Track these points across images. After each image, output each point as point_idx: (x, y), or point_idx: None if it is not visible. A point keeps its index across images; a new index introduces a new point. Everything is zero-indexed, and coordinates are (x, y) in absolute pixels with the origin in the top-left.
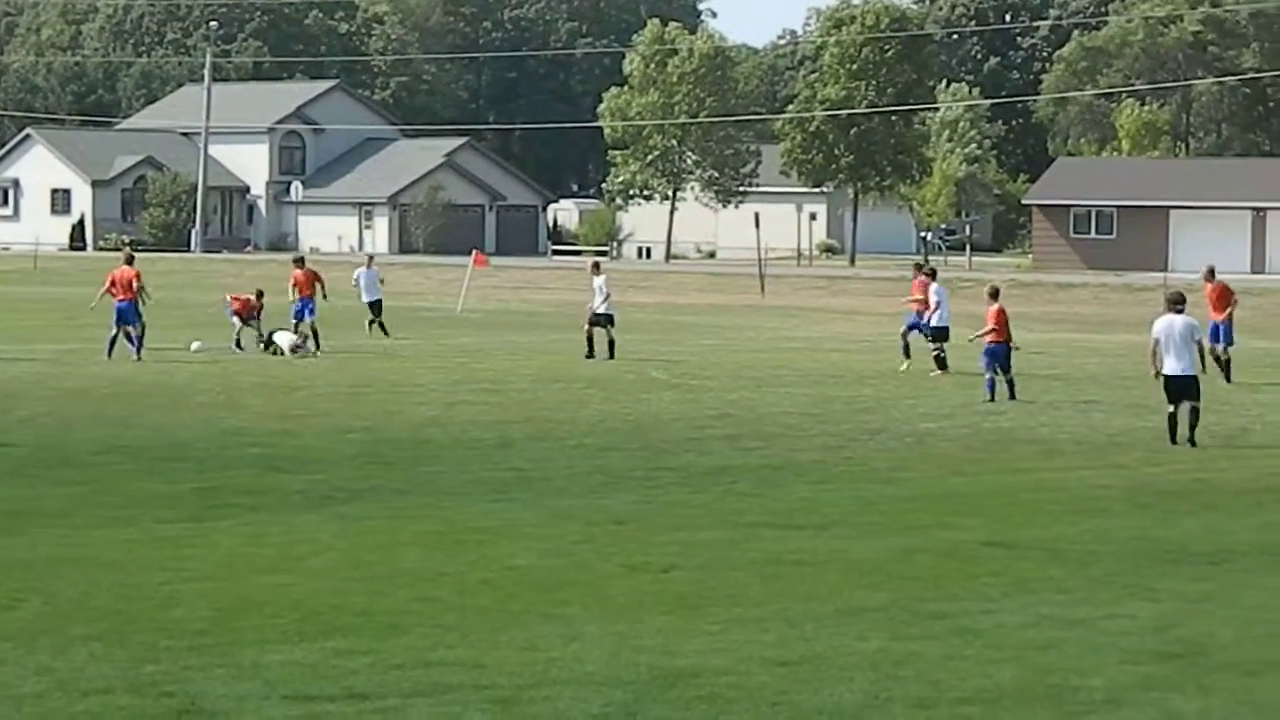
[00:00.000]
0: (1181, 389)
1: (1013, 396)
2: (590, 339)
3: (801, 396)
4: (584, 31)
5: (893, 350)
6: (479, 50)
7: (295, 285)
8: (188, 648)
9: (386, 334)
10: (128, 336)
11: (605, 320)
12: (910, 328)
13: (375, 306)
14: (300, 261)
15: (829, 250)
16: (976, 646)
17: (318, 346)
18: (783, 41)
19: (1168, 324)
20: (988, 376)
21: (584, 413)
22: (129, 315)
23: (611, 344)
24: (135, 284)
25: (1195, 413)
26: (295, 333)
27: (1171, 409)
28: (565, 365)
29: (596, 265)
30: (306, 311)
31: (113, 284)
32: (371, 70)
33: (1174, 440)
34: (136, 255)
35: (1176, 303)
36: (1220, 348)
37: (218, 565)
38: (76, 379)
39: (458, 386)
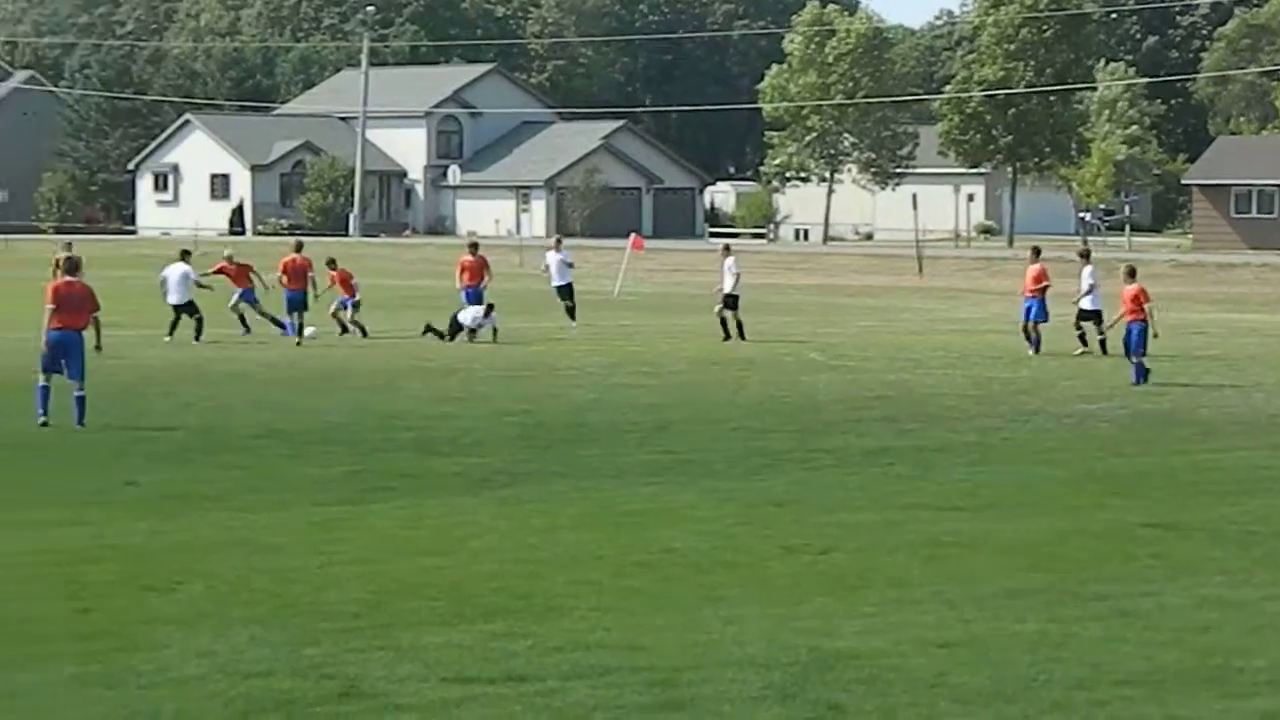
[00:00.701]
0: None
1: (1140, 380)
2: (724, 322)
3: (959, 378)
4: (740, 13)
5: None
6: (636, 33)
7: (463, 271)
8: (347, 630)
9: (573, 319)
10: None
11: (733, 303)
12: (1029, 316)
13: (565, 290)
14: (474, 248)
15: (987, 231)
16: (1137, 629)
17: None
18: (940, 22)
19: None
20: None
21: (741, 395)
22: (300, 303)
23: (740, 325)
24: (309, 272)
25: None
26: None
27: None
28: (722, 348)
29: (727, 248)
30: (476, 298)
31: (285, 272)
32: (528, 54)
33: None
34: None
35: None
36: None
37: (376, 548)
38: (236, 363)
39: (615, 369)
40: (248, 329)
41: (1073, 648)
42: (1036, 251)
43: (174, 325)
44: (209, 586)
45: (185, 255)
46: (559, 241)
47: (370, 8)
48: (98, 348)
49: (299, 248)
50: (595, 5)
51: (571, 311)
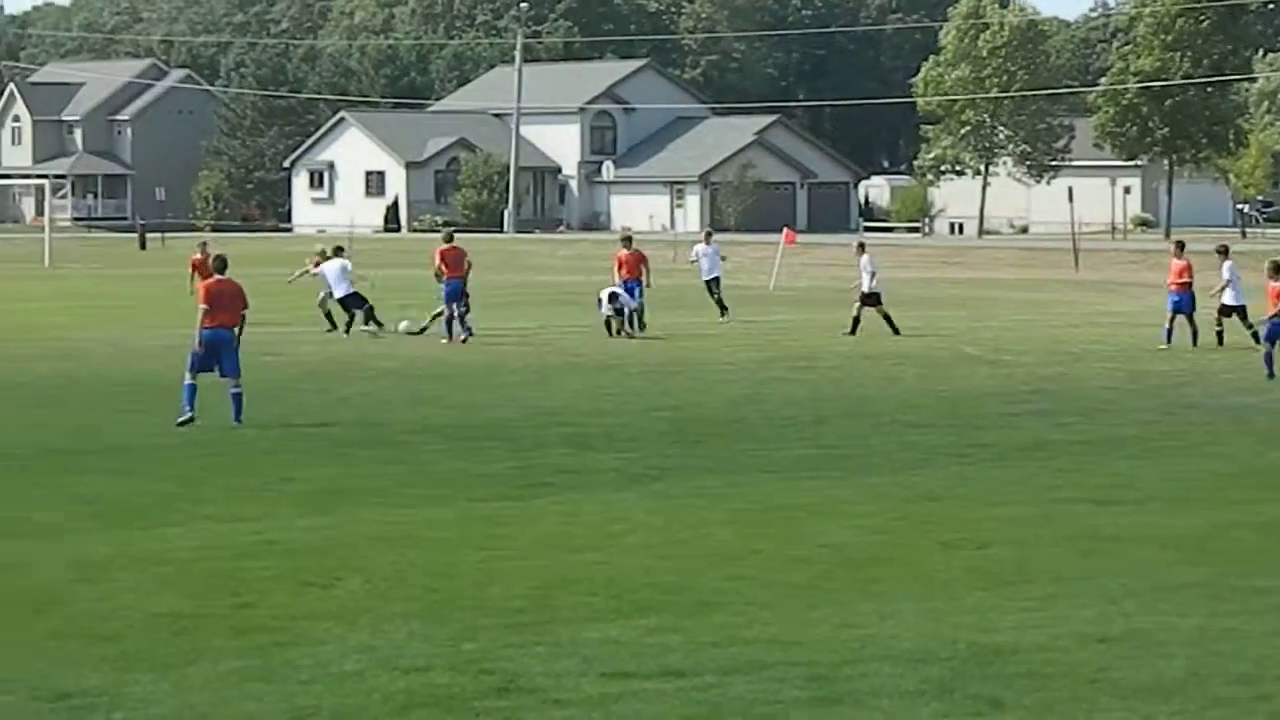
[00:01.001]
0: None
1: (1271, 373)
2: (857, 319)
3: (1116, 371)
4: (894, 6)
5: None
6: (789, 27)
7: (620, 266)
8: (505, 625)
9: (724, 310)
10: (460, 317)
11: (874, 299)
12: (1176, 312)
13: (714, 284)
14: (628, 241)
15: (1143, 224)
16: None
17: (642, 327)
18: (1094, 14)
19: None
20: (1266, 350)
21: (896, 389)
22: (458, 293)
23: (889, 319)
24: (466, 262)
25: None
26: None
27: None
28: (877, 342)
29: (862, 245)
30: (637, 292)
31: (444, 262)
32: (681, 49)
33: None
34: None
35: None
36: None
37: (533, 543)
38: (393, 359)
39: (770, 364)
40: (334, 326)
41: (1234, 642)
42: (1181, 245)
43: (349, 323)
44: (367, 582)
45: (339, 250)
46: (709, 235)
47: (524, 4)
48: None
49: (450, 238)
50: (748, 0)
51: (721, 304)
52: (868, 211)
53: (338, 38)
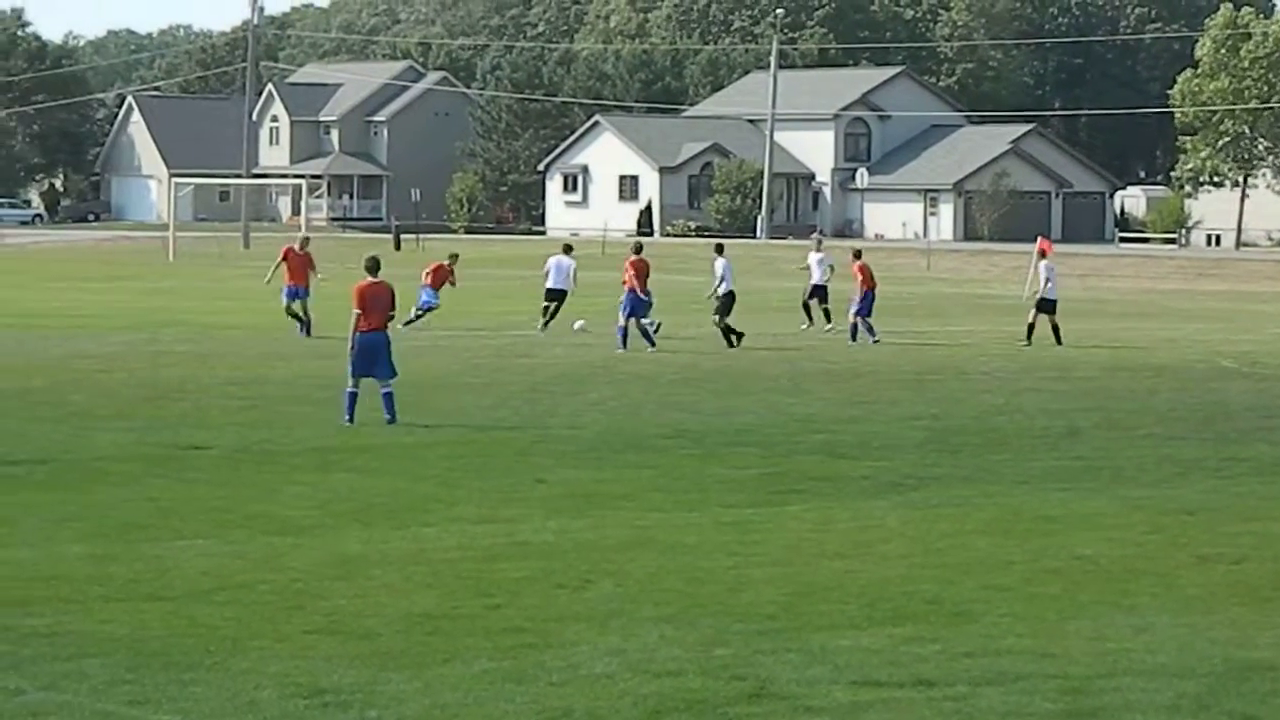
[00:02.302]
0: None
1: None
2: (1032, 327)
3: None
4: (1153, 16)
5: None
6: (1045, 36)
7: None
8: (757, 631)
9: (829, 320)
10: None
11: (1049, 306)
12: None
13: (821, 292)
14: (858, 254)
15: None
16: None
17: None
18: None
19: None
20: None
21: (1152, 401)
22: (643, 305)
23: (1055, 329)
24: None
25: None
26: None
27: None
28: (1133, 353)
29: (1043, 252)
30: (866, 304)
31: (636, 273)
32: (937, 56)
33: None
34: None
35: None
36: None
37: (785, 550)
38: (643, 363)
39: (1024, 374)
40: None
41: None
42: None
43: (547, 313)
44: (619, 585)
45: (568, 249)
46: (819, 242)
47: (780, 10)
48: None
49: (639, 249)
50: (1005, 8)
51: (827, 314)
52: (1123, 222)
53: (593, 41)
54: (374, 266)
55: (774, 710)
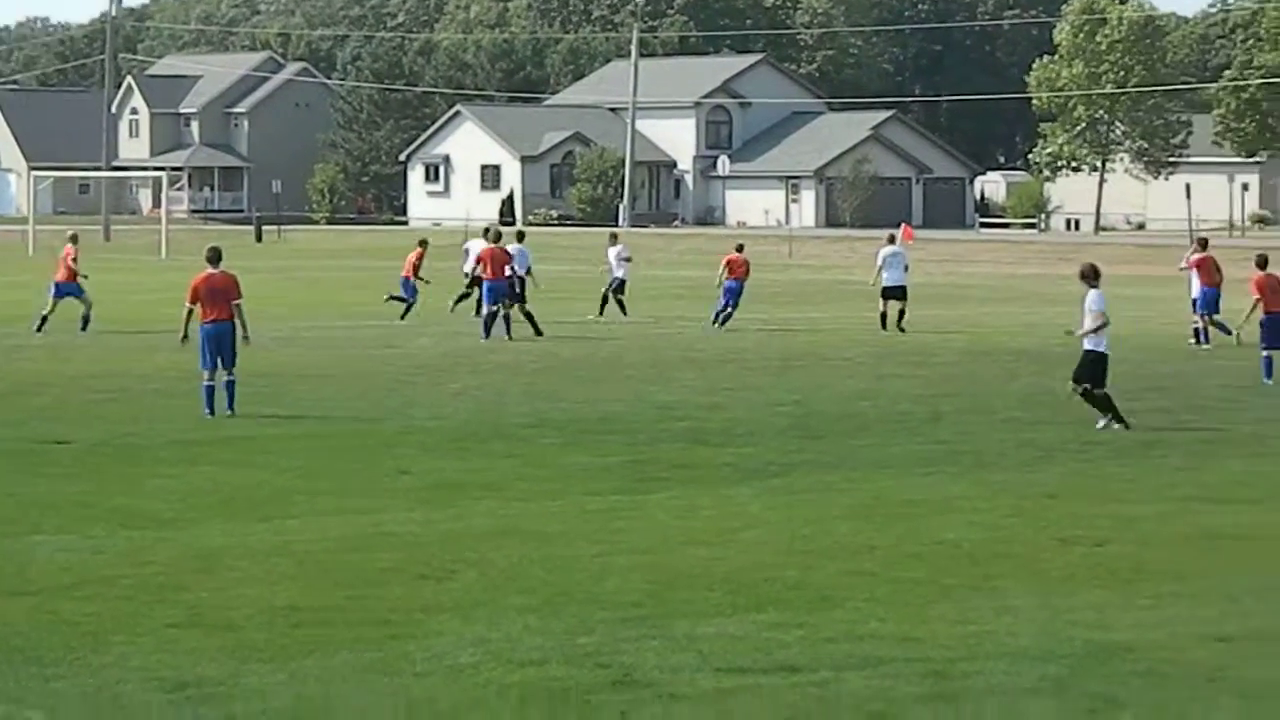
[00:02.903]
0: None
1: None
2: (884, 314)
3: (1235, 369)
4: (1011, 2)
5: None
6: (905, 22)
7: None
8: (621, 619)
9: (624, 313)
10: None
11: (897, 293)
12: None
13: (619, 285)
14: (740, 248)
15: (1261, 221)
16: None
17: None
18: (1213, 10)
19: None
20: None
21: (1013, 386)
22: (501, 293)
23: (900, 315)
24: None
25: None
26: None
27: None
28: (994, 338)
29: (891, 237)
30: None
31: (488, 263)
32: (798, 44)
33: None
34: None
35: None
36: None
37: (649, 538)
38: (506, 353)
39: (885, 360)
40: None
41: None
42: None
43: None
44: (483, 575)
45: (521, 236)
46: (614, 236)
47: None
48: (245, 339)
49: (497, 237)
50: None
51: (622, 306)
52: (983, 207)
53: (453, 31)
54: (214, 258)
55: (638, 698)
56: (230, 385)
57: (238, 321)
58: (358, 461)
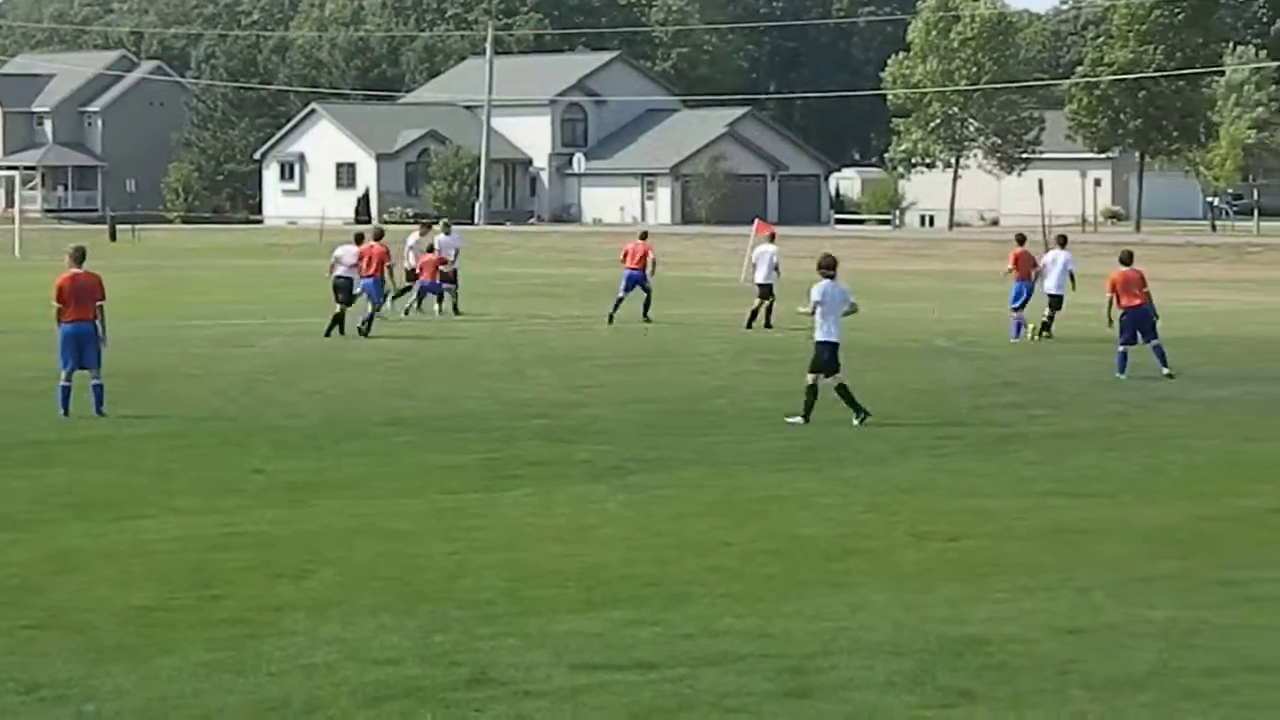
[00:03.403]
0: None
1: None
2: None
3: (1087, 364)
4: (866, 0)
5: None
6: (760, 20)
7: (626, 255)
8: (477, 617)
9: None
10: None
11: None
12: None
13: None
14: (644, 235)
15: (1114, 216)
16: (1269, 615)
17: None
18: (1065, 6)
19: None
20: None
21: (867, 381)
22: (374, 291)
23: (768, 312)
24: (385, 260)
25: None
26: None
27: None
28: (849, 334)
29: (772, 236)
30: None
31: (366, 261)
32: (653, 41)
33: None
34: (429, 228)
35: None
36: None
37: (505, 535)
38: (362, 351)
39: (742, 356)
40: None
41: (1204, 634)
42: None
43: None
44: (338, 574)
45: (448, 228)
46: (448, 225)
47: None
48: (102, 340)
49: (366, 236)
50: None
51: (439, 297)
52: (838, 204)
53: (308, 29)
54: (79, 257)
55: (493, 696)
56: (98, 389)
57: (99, 323)
58: (213, 461)
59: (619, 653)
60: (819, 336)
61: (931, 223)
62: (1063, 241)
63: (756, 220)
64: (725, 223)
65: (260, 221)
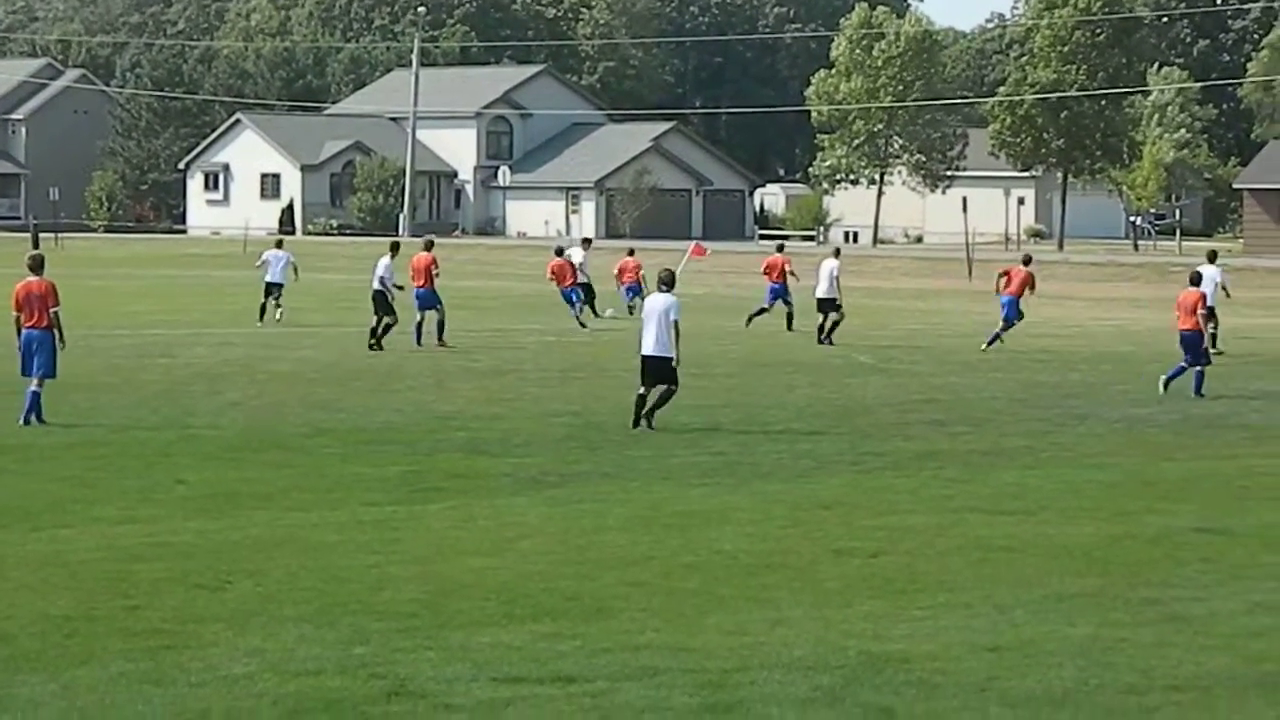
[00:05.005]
0: None
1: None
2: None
3: (1009, 381)
4: (791, 16)
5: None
6: (686, 35)
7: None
8: (397, 630)
9: (262, 316)
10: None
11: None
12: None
13: (275, 289)
14: (559, 251)
15: (1037, 235)
16: (1188, 634)
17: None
18: (990, 25)
19: None
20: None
21: (790, 397)
22: (430, 300)
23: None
24: (432, 270)
25: None
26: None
27: None
28: (771, 350)
29: (837, 251)
30: (574, 297)
31: (414, 272)
32: (579, 55)
33: None
34: (401, 242)
35: None
36: None
37: (426, 548)
38: (285, 362)
39: None
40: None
41: (1123, 652)
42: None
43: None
44: (258, 585)
45: (279, 244)
46: (280, 243)
47: (421, 8)
48: (60, 344)
49: (429, 246)
50: (646, 7)
51: (272, 308)
52: (763, 219)
53: (234, 39)
54: (35, 266)
55: (412, 709)
56: (35, 396)
57: (55, 330)
58: (134, 471)
59: (539, 666)
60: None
61: (855, 239)
62: (1212, 257)
63: (695, 244)
64: (650, 236)
65: (184, 231)
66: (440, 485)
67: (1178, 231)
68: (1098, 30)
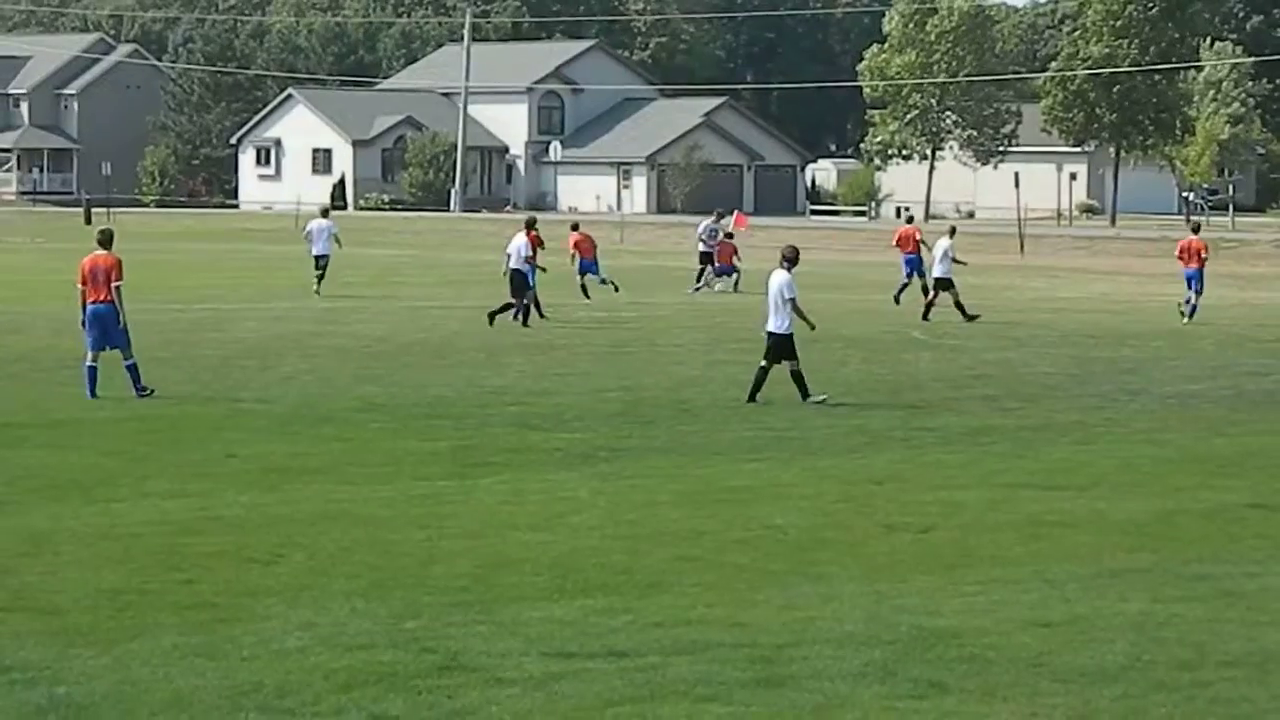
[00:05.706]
0: None
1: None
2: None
3: (1062, 357)
4: None
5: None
6: (738, 10)
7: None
8: (449, 604)
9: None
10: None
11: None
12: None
13: (322, 261)
14: (575, 226)
15: (1089, 210)
16: (1240, 609)
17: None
18: (1043, 1)
19: None
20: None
21: (842, 372)
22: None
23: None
24: (532, 249)
25: None
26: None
27: None
28: (824, 324)
29: (953, 230)
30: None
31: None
32: (630, 30)
33: None
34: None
35: None
36: None
37: (477, 522)
38: (337, 337)
39: (716, 346)
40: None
41: (1176, 628)
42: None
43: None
44: (310, 559)
45: (325, 212)
46: (325, 211)
47: None
48: (119, 320)
49: (531, 224)
50: None
51: (319, 281)
52: (814, 195)
53: (286, 14)
54: (105, 240)
55: (464, 682)
56: (131, 368)
57: (117, 303)
58: (186, 445)
59: (591, 640)
60: (773, 328)
61: (910, 216)
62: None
63: (736, 213)
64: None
65: (236, 206)
66: (491, 460)
67: (1230, 207)
68: (1150, 5)
